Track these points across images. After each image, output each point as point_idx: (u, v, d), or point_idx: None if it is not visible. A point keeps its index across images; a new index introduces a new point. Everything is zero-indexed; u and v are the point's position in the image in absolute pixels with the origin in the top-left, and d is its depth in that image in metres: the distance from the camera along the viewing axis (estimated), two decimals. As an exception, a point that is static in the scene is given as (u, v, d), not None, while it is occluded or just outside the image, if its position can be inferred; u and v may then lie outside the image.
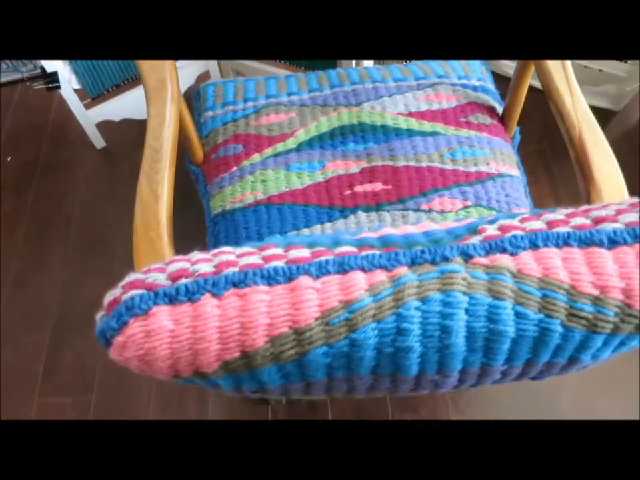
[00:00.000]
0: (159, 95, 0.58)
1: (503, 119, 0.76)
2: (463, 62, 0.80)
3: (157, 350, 0.30)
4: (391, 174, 0.68)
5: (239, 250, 0.34)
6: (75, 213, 1.08)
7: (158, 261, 0.52)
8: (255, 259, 0.32)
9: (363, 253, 0.31)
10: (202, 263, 0.32)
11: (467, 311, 0.30)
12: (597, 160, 0.54)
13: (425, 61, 0.81)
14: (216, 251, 0.34)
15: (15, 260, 1.03)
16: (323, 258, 0.32)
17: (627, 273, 0.29)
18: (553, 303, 0.30)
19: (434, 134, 0.72)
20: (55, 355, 0.93)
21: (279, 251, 0.33)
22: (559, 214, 0.34)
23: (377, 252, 0.32)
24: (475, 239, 0.32)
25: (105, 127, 1.13)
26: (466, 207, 0.66)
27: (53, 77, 0.94)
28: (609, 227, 0.32)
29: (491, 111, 0.75)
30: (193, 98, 0.81)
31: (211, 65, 1.15)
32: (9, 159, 1.14)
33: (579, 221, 0.33)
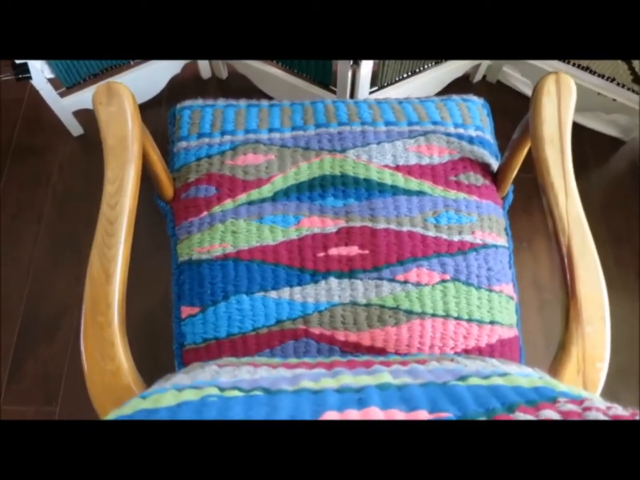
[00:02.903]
0: (118, 155, 0.53)
1: (497, 176, 0.71)
2: (462, 105, 0.74)
3: None
4: (369, 237, 0.64)
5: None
6: (47, 206, 1.04)
7: (106, 350, 0.50)
8: (177, 465, 0.30)
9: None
10: (118, 466, 0.29)
11: None
12: (582, 273, 0.51)
13: (422, 100, 0.75)
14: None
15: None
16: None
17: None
18: None
19: (420, 194, 0.67)
20: (18, 361, 0.92)
21: (206, 450, 0.30)
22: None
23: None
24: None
25: (83, 113, 1.06)
26: (444, 280, 0.63)
27: (23, 68, 0.87)
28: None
29: (484, 168, 0.70)
30: (168, 120, 0.75)
31: (199, 54, 1.07)
32: (-20, 140, 1.08)
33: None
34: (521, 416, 0.33)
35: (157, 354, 0.94)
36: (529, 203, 1.05)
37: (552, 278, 1.00)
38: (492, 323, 0.63)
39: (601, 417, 0.32)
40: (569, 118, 0.54)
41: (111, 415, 0.37)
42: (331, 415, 0.33)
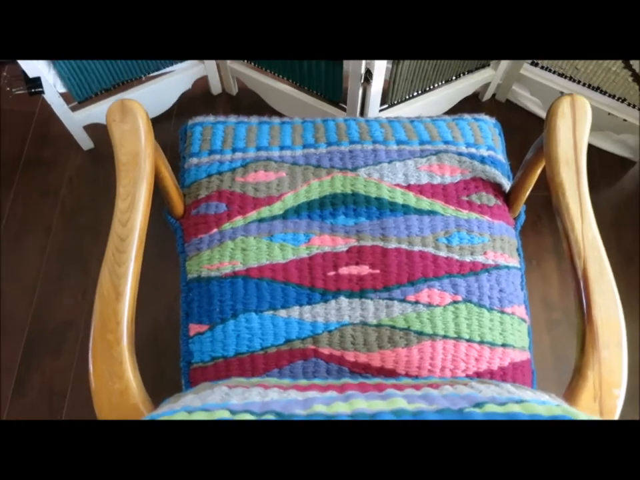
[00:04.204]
0: (130, 172, 0.53)
1: (509, 196, 0.71)
2: (474, 125, 0.74)
3: None
4: (380, 257, 0.64)
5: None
6: (55, 218, 1.04)
7: (114, 369, 0.49)
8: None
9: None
10: None
11: None
12: (598, 298, 0.50)
13: (434, 119, 0.75)
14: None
15: (-12, 266, 0.99)
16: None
17: None
18: None
19: (432, 213, 0.66)
20: (24, 374, 0.91)
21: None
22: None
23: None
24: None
25: (93, 127, 1.06)
26: (455, 301, 0.62)
27: (36, 82, 0.88)
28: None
29: (496, 188, 0.70)
30: (179, 136, 0.75)
31: (210, 71, 1.08)
32: (-10, 152, 1.08)
33: None
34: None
35: (162, 369, 0.94)
36: (538, 221, 1.04)
37: (561, 297, 0.99)
38: (504, 345, 0.62)
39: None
40: (585, 140, 0.53)
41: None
42: (346, 444, 0.32)
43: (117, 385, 0.48)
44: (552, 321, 0.97)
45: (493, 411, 0.37)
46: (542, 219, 1.05)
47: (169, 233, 0.95)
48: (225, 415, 0.37)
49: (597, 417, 0.38)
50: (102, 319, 0.49)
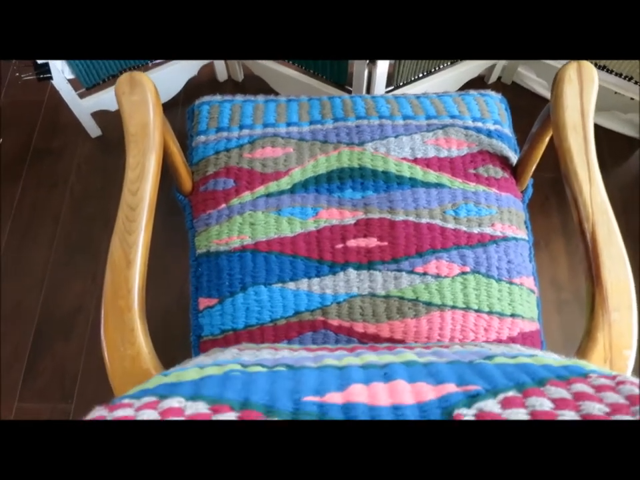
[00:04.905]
0: (140, 142, 0.53)
1: (517, 169, 0.71)
2: (480, 100, 0.74)
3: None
4: (388, 229, 0.64)
5: (190, 409, 0.31)
6: (64, 206, 1.05)
7: (126, 335, 0.49)
8: (203, 433, 0.29)
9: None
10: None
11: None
12: (607, 261, 0.50)
13: (440, 95, 0.75)
14: (166, 406, 0.31)
15: None
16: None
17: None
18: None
19: (439, 186, 0.67)
20: (36, 359, 0.92)
21: (232, 419, 0.30)
22: (547, 401, 0.31)
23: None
24: (449, 433, 0.29)
25: (101, 115, 1.07)
26: (464, 272, 0.62)
27: (44, 68, 0.89)
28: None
29: (503, 161, 0.70)
30: (186, 116, 0.76)
31: (216, 57, 1.08)
32: (0, 141, 1.09)
33: (567, 417, 0.30)
34: (552, 390, 0.32)
35: (174, 355, 0.94)
36: (546, 202, 1.04)
37: (570, 278, 0.99)
38: (513, 315, 0.62)
39: (636, 391, 0.31)
40: (592, 105, 0.53)
41: (133, 390, 0.36)
42: (357, 388, 0.33)
43: (129, 350, 0.48)
44: (561, 301, 0.96)
45: (503, 362, 0.38)
46: (550, 200, 1.04)
47: (177, 222, 0.96)
48: (236, 367, 0.37)
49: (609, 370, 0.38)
50: (113, 287, 0.50)
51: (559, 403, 0.31)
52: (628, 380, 0.32)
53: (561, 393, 0.31)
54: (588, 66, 0.55)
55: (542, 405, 0.30)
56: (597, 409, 0.30)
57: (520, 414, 0.30)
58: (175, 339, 0.94)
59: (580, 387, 0.32)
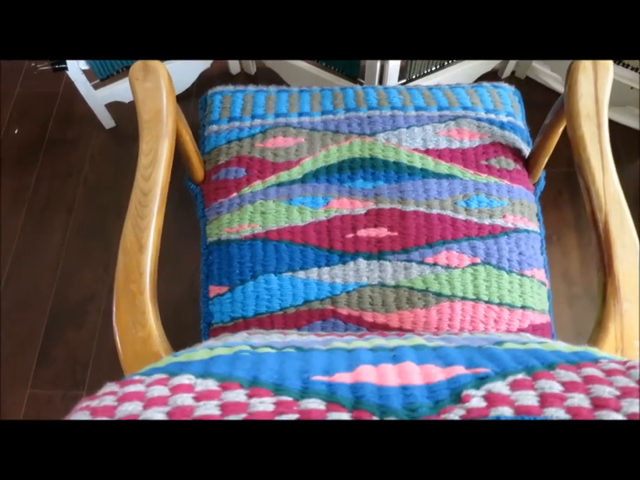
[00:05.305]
0: (153, 129, 0.54)
1: (529, 161, 0.70)
2: (493, 92, 0.73)
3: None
4: (398, 219, 0.64)
5: (200, 386, 0.31)
6: (77, 196, 1.06)
7: (137, 318, 0.50)
8: (213, 408, 0.30)
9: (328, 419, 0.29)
10: (155, 408, 0.30)
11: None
12: (619, 251, 0.50)
13: (453, 86, 0.74)
14: (176, 383, 0.32)
15: (12, 243, 1.02)
16: (284, 417, 0.29)
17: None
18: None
19: (450, 177, 0.66)
20: (48, 345, 0.93)
21: (241, 396, 0.30)
22: (557, 384, 0.31)
23: (345, 416, 0.29)
24: (455, 413, 0.29)
25: (115, 106, 1.08)
26: (474, 263, 0.62)
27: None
28: (608, 416, 0.28)
29: (515, 153, 0.69)
30: (199, 106, 0.76)
31: (229, 49, 1.09)
32: (16, 132, 1.11)
33: (576, 399, 0.30)
34: (561, 373, 0.32)
35: (184, 345, 0.95)
36: (559, 197, 1.03)
37: (582, 272, 0.98)
38: (523, 307, 0.62)
39: (647, 375, 0.31)
40: (606, 93, 0.53)
41: (144, 369, 0.37)
42: (366, 369, 0.33)
43: (141, 333, 0.49)
44: (572, 295, 0.96)
45: (513, 347, 0.37)
46: (563, 195, 1.03)
47: (188, 213, 0.96)
48: (246, 348, 0.38)
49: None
50: (125, 271, 0.50)
51: (568, 386, 0.30)
52: (639, 365, 0.32)
53: (570, 376, 0.31)
54: (603, 55, 0.54)
55: (551, 387, 0.30)
56: (607, 392, 0.30)
57: (529, 396, 0.30)
58: (187, 329, 0.95)
59: (590, 370, 0.32)
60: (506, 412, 0.29)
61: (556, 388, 0.30)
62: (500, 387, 0.31)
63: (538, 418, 0.29)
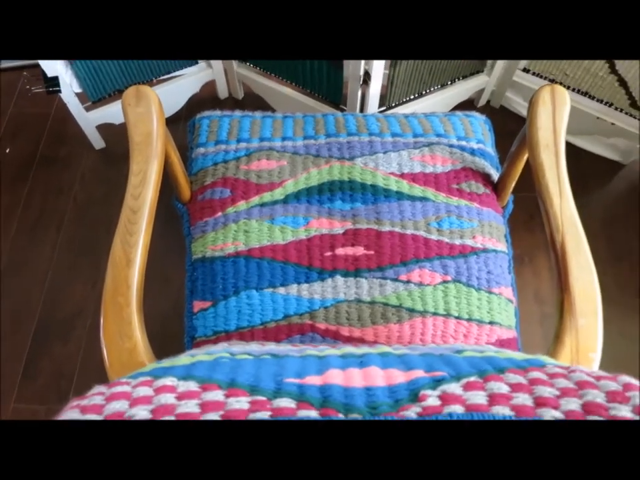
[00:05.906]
0: (143, 150, 0.57)
1: (498, 185, 0.75)
2: (465, 120, 0.78)
3: None
4: (374, 239, 0.68)
5: (182, 387, 0.34)
6: (68, 213, 1.08)
7: (124, 329, 0.53)
8: (193, 407, 0.32)
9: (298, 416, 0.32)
10: (140, 406, 0.32)
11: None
12: (575, 270, 0.54)
13: (428, 115, 0.79)
14: (160, 384, 0.35)
15: (2, 257, 1.04)
16: (258, 414, 0.32)
17: None
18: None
19: (423, 199, 0.70)
20: (33, 360, 0.94)
21: (219, 396, 0.33)
22: (505, 385, 0.34)
23: (313, 414, 0.32)
24: (412, 410, 0.32)
25: (105, 128, 1.12)
26: (445, 281, 0.66)
27: (54, 81, 0.93)
28: (547, 413, 0.32)
29: (485, 178, 0.74)
30: (187, 129, 0.80)
31: (217, 75, 1.13)
32: (7, 150, 1.13)
33: (521, 399, 0.33)
34: (510, 376, 0.35)
35: (170, 354, 0.97)
36: (531, 220, 1.08)
37: (552, 292, 1.02)
38: (491, 323, 0.66)
39: (585, 378, 0.34)
40: (564, 125, 0.57)
41: (129, 374, 0.39)
42: (334, 373, 0.36)
43: (127, 344, 0.52)
44: (544, 314, 1.00)
45: (471, 355, 0.41)
46: (535, 219, 1.08)
47: (175, 231, 0.99)
48: (225, 355, 0.41)
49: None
50: (114, 284, 0.53)
51: (515, 387, 0.34)
52: (580, 369, 0.35)
53: (518, 379, 0.35)
54: (560, 89, 0.59)
55: (499, 388, 0.34)
56: (547, 392, 0.33)
57: (479, 396, 0.33)
58: (172, 342, 0.97)
59: (536, 374, 0.35)
60: (458, 410, 0.32)
61: (504, 389, 0.34)
62: (454, 387, 0.34)
63: (486, 415, 0.32)
